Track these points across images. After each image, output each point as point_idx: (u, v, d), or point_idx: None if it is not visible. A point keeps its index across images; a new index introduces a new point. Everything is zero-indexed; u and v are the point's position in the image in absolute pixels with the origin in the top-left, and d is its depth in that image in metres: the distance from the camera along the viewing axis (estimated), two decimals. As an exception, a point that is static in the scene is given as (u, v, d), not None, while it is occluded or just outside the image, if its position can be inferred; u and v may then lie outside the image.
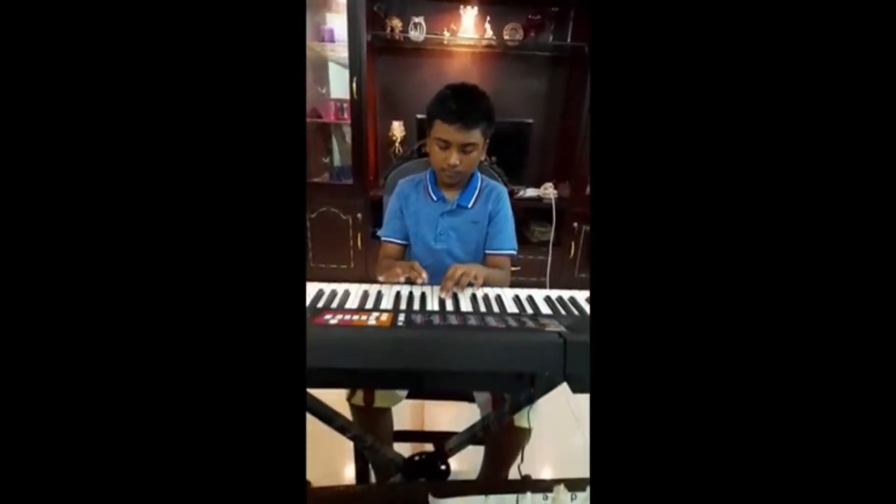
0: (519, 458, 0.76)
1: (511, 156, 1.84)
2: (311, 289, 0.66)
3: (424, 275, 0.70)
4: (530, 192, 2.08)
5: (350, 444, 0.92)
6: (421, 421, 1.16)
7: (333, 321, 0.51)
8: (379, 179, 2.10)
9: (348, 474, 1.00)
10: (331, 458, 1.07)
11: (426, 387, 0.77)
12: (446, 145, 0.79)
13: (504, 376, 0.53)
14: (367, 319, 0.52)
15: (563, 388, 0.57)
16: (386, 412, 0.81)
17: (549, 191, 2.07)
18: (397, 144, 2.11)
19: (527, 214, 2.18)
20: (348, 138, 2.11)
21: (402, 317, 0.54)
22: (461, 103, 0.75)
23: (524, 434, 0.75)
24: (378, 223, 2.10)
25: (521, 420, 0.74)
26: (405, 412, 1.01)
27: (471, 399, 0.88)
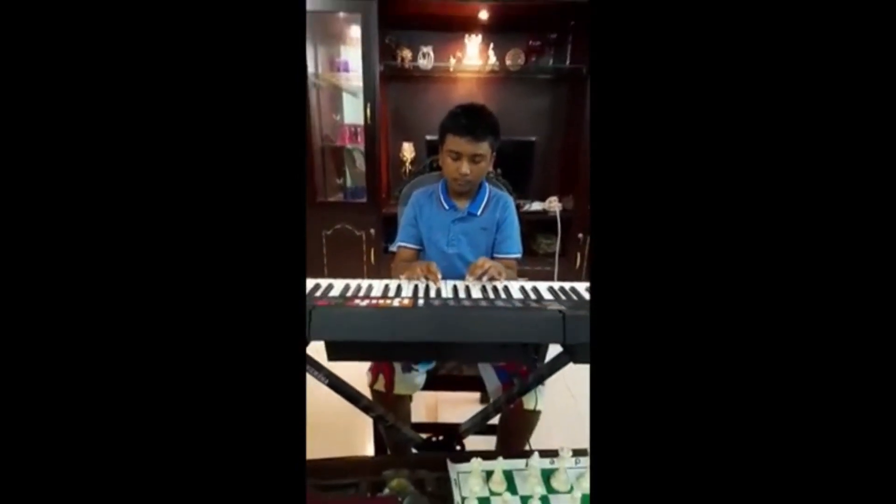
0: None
1: (517, 171, 1.94)
2: (339, 284, 0.74)
3: (440, 276, 0.78)
4: (536, 206, 2.17)
5: (369, 429, 0.99)
6: (435, 416, 1.22)
7: (363, 304, 0.60)
8: (390, 198, 2.22)
9: (369, 452, 1.06)
10: (351, 437, 1.13)
11: (444, 356, 0.84)
12: (458, 156, 0.89)
13: (512, 347, 0.60)
14: (392, 303, 0.60)
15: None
16: (404, 399, 0.88)
17: (553, 204, 2.15)
18: (408, 164, 2.24)
19: (533, 227, 2.26)
20: (360, 161, 2.24)
21: (421, 301, 0.62)
22: (470, 119, 0.86)
23: (533, 416, 0.81)
24: (390, 239, 2.20)
25: (529, 402, 0.80)
26: (420, 407, 1.06)
27: (482, 389, 0.94)
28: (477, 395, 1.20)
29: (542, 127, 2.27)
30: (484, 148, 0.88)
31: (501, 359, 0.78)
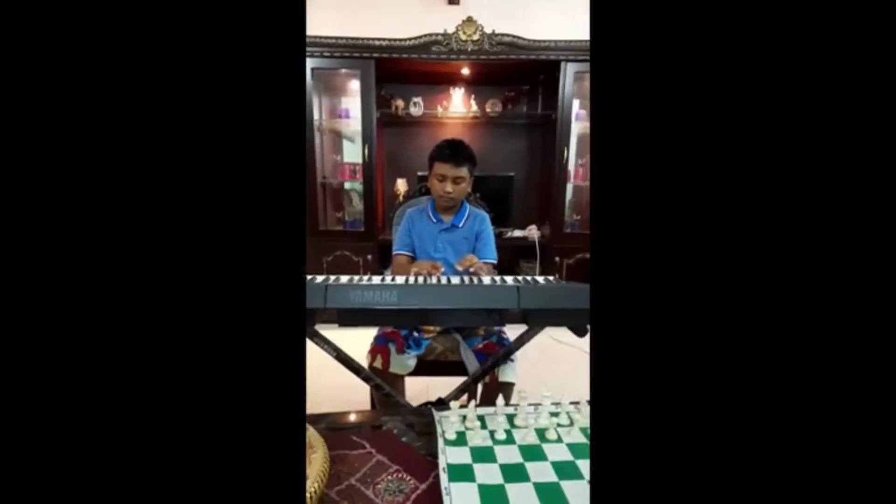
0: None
1: (499, 203, 2.18)
2: (344, 279, 0.93)
3: (442, 271, 0.97)
4: (517, 233, 2.39)
5: (366, 398, 1.12)
6: (426, 399, 1.35)
7: (360, 282, 0.78)
8: (385, 228, 2.43)
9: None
10: (352, 405, 1.26)
11: (429, 320, 1.00)
12: (443, 178, 1.12)
13: (480, 311, 0.77)
14: (384, 281, 0.79)
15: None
16: (398, 379, 1.03)
17: (532, 231, 2.39)
18: (401, 198, 2.48)
19: (515, 252, 2.47)
20: (357, 197, 2.49)
21: (410, 279, 0.81)
22: (453, 149, 1.10)
23: (508, 387, 0.97)
24: (386, 265, 2.37)
25: (503, 375, 0.97)
26: (411, 392, 1.20)
27: (466, 374, 1.10)
28: (461, 379, 1.35)
29: (520, 164, 2.55)
30: (464, 171, 1.11)
31: (473, 322, 0.95)
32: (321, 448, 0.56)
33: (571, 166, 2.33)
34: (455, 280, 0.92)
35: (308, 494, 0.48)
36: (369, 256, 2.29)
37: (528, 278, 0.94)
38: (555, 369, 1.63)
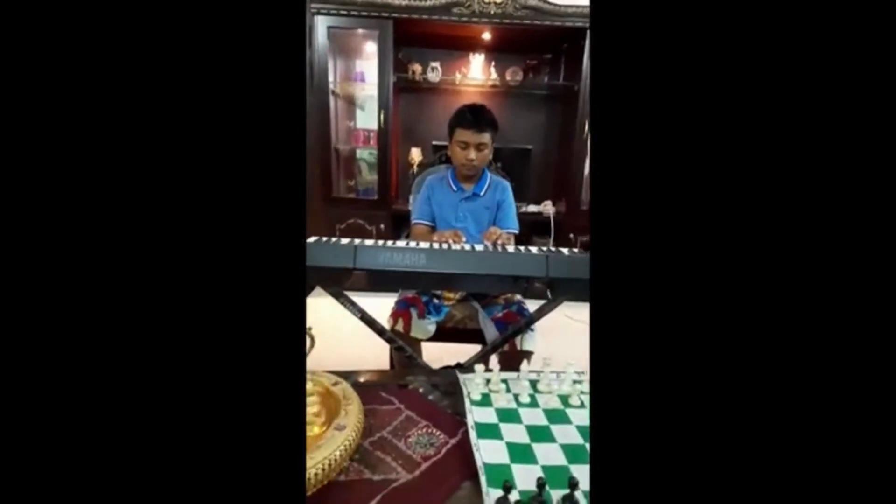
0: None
1: (515, 177, 2.13)
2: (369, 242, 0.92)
3: (464, 240, 0.96)
4: (532, 209, 2.37)
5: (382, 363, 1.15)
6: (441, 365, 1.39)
7: (388, 245, 0.78)
8: (399, 197, 2.42)
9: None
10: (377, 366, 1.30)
11: (456, 286, 1.01)
12: (465, 146, 1.09)
13: (506, 279, 0.78)
14: (414, 245, 0.79)
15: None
16: (417, 344, 1.05)
17: (548, 207, 2.36)
18: (415, 167, 2.44)
19: (529, 228, 2.45)
20: (366, 167, 2.45)
21: (435, 245, 0.81)
22: (475, 114, 1.07)
23: (527, 356, 0.98)
24: (399, 234, 2.37)
25: (525, 343, 0.98)
26: (427, 359, 1.23)
27: (483, 342, 1.11)
28: (478, 347, 1.37)
29: (538, 137, 2.49)
30: (486, 137, 1.08)
31: (498, 288, 0.96)
32: (356, 401, 0.57)
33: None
34: (479, 247, 0.91)
35: (346, 443, 0.50)
36: (382, 225, 2.28)
37: (552, 248, 0.93)
38: (569, 346, 1.64)
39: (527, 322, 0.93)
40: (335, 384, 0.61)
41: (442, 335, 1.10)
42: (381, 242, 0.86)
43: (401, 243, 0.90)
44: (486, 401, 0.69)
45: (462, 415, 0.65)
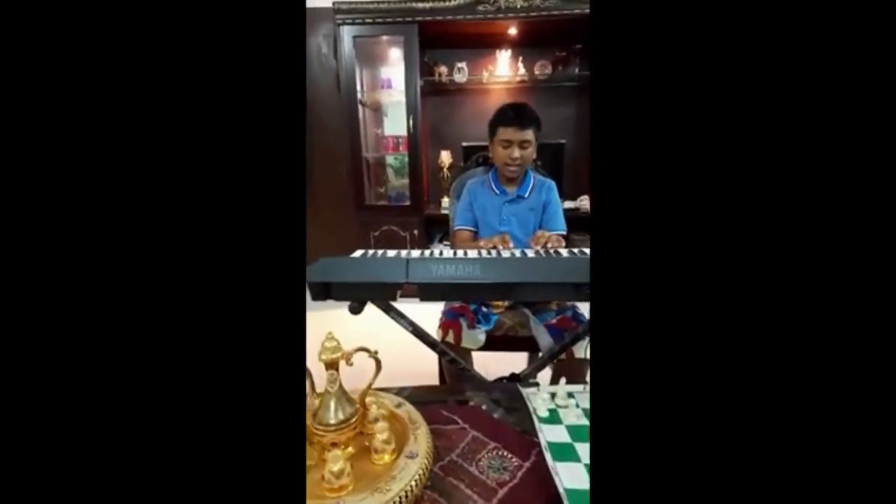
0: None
1: (549, 172, 2.08)
2: (416, 253, 0.90)
3: (511, 245, 0.92)
4: (568, 204, 2.29)
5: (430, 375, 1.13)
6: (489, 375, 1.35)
7: (440, 256, 0.75)
8: (430, 201, 2.40)
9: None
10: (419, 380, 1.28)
11: (511, 296, 0.97)
12: (508, 144, 1.05)
13: (566, 286, 0.73)
14: (465, 255, 0.75)
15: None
16: (468, 353, 1.02)
17: (584, 202, 2.27)
18: (445, 170, 2.42)
19: (566, 225, 2.38)
20: (393, 173, 2.45)
21: (485, 253, 0.77)
22: (517, 111, 1.03)
23: (584, 364, 0.93)
24: (431, 238, 2.35)
25: (579, 352, 0.93)
26: (477, 368, 1.20)
27: (534, 350, 1.07)
28: (524, 355, 1.32)
29: (571, 131, 2.41)
30: (529, 135, 1.04)
31: (558, 297, 0.91)
32: (423, 425, 0.55)
33: (628, 131, 2.18)
34: (531, 254, 0.87)
35: (420, 472, 0.47)
36: (415, 231, 2.27)
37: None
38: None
39: (585, 330, 0.88)
40: (398, 406, 0.59)
41: (492, 344, 1.07)
42: (429, 253, 0.83)
43: (448, 253, 0.87)
44: (554, 417, 0.65)
45: (530, 433, 0.61)
